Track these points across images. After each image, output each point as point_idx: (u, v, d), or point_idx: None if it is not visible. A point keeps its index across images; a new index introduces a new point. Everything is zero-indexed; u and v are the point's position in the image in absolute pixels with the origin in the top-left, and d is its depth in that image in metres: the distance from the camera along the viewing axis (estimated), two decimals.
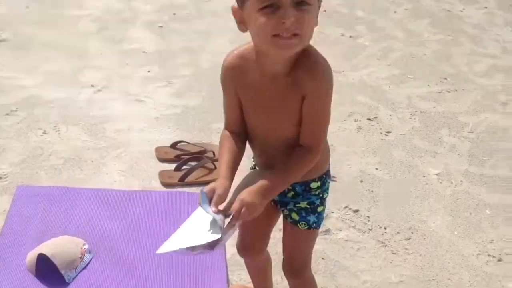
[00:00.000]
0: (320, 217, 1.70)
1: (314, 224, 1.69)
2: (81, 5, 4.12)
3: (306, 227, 1.68)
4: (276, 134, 1.52)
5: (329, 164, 1.69)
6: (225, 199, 1.43)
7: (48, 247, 2.18)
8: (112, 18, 4.02)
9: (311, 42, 1.40)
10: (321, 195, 1.68)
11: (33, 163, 2.72)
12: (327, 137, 1.57)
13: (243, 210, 1.38)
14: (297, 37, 1.29)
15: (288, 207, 1.69)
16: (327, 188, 1.70)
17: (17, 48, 3.55)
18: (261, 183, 1.43)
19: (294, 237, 1.74)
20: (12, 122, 2.96)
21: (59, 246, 2.21)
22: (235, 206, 1.39)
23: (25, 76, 3.31)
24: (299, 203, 1.67)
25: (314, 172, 1.61)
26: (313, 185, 1.64)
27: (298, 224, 1.68)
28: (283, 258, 1.81)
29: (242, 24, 1.38)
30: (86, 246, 2.25)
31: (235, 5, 1.37)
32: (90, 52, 3.62)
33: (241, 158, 1.54)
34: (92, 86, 3.31)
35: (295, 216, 1.68)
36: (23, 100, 3.12)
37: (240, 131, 1.57)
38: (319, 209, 1.69)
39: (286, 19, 1.26)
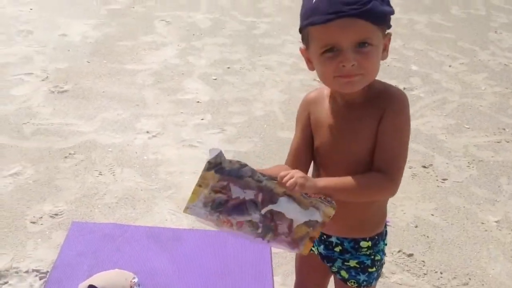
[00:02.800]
0: (371, 276, 1.60)
1: (365, 283, 1.59)
2: (140, 60, 4.29)
3: (355, 285, 1.60)
4: (349, 159, 1.45)
5: (385, 226, 1.61)
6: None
7: (99, 279, 2.18)
8: (169, 72, 4.16)
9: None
10: (372, 256, 1.58)
11: (88, 202, 2.78)
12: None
13: (290, 179, 1.28)
14: (359, 76, 1.33)
15: (336, 264, 1.60)
16: (381, 251, 1.60)
17: (77, 97, 3.71)
18: (320, 177, 1.40)
19: None
20: (70, 164, 3.05)
21: (109, 278, 2.21)
22: (284, 173, 1.30)
23: (84, 123, 3.43)
24: (348, 262, 1.58)
25: (366, 230, 1.55)
26: (363, 244, 1.55)
27: (348, 282, 1.60)
28: None
29: (309, 63, 1.42)
30: (136, 280, 2.24)
31: (303, 45, 1.41)
32: (146, 102, 3.73)
33: None
34: (147, 132, 3.39)
35: (344, 274, 1.60)
36: (81, 144, 3.22)
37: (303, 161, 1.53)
38: (370, 269, 1.59)
39: (346, 63, 1.30)
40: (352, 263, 1.57)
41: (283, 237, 1.34)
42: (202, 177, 1.31)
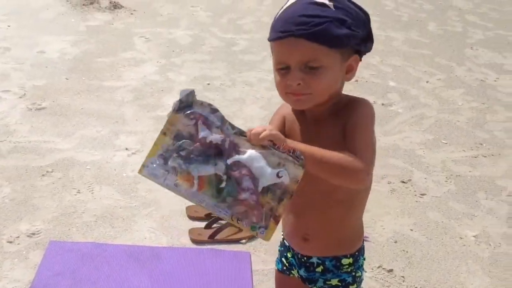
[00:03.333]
0: None
1: None
2: (119, 76, 4.28)
3: None
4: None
5: (363, 242, 1.61)
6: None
7: None
8: (149, 88, 4.15)
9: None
10: (353, 273, 1.58)
11: (66, 220, 2.75)
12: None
13: (262, 130, 1.24)
14: (306, 95, 1.37)
15: (318, 285, 1.60)
16: (361, 267, 1.60)
17: (55, 115, 3.68)
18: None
19: None
20: (47, 183, 3.01)
21: None
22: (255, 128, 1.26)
23: (61, 140, 3.41)
24: (330, 281, 1.58)
25: (347, 247, 1.56)
26: (345, 261, 1.56)
27: None
28: None
29: None
30: None
31: None
32: (126, 118, 3.71)
33: None
34: (126, 149, 3.37)
35: None
36: (59, 162, 3.19)
37: None
38: (351, 287, 1.59)
39: (291, 82, 1.35)
40: (334, 281, 1.57)
41: (248, 200, 1.24)
42: (169, 122, 1.23)
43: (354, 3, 1.40)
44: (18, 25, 5.04)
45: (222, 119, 1.25)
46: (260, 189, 1.25)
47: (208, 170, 1.24)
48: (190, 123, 1.23)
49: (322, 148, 1.33)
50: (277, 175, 1.24)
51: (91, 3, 5.63)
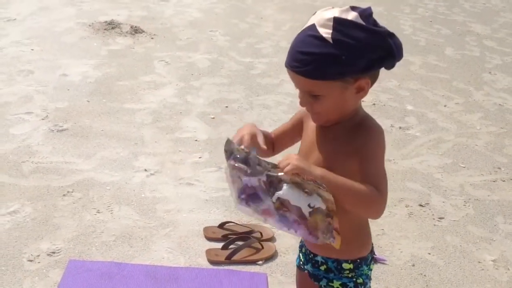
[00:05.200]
0: None
1: None
2: (139, 99, 4.35)
3: None
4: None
5: (369, 252, 1.65)
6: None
7: None
8: (168, 111, 4.21)
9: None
10: (354, 279, 1.63)
11: (85, 240, 2.78)
12: (370, 225, 1.62)
13: (287, 164, 1.39)
14: (316, 115, 1.52)
15: (322, 283, 1.65)
16: (364, 275, 1.65)
17: (77, 136, 3.74)
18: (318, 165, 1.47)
19: None
20: (68, 202, 3.06)
21: None
22: (286, 157, 1.41)
23: (82, 161, 3.46)
24: (332, 282, 1.64)
25: (348, 252, 1.60)
26: (345, 265, 1.61)
27: None
28: None
29: None
30: None
31: None
32: (145, 140, 3.76)
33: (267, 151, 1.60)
34: (145, 170, 3.42)
35: None
36: (79, 183, 3.24)
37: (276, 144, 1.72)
38: None
39: (301, 105, 1.53)
40: (336, 284, 1.63)
41: (299, 225, 1.42)
42: (229, 169, 1.41)
43: (363, 26, 1.40)
44: (42, 48, 5.15)
45: (258, 159, 1.42)
46: (307, 214, 1.41)
47: (262, 206, 1.41)
48: (234, 170, 1.41)
49: (335, 161, 1.49)
50: (309, 206, 1.40)
51: (113, 28, 5.74)
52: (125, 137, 3.78)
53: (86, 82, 4.57)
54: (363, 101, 1.56)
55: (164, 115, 4.13)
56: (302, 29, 1.46)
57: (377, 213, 1.46)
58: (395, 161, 3.76)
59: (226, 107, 4.36)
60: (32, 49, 5.13)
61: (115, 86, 4.54)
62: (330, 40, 1.38)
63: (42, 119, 3.93)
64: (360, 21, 1.40)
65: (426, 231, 3.06)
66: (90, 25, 5.81)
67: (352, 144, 1.48)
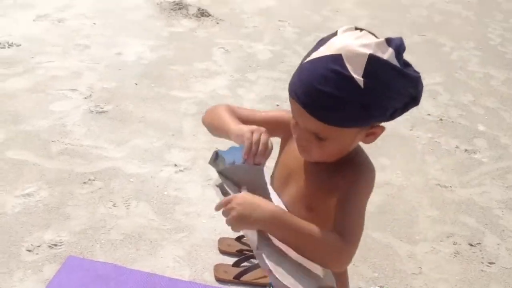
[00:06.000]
0: None
1: None
2: (188, 87, 4.15)
3: None
4: (300, 198, 1.37)
5: None
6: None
7: None
8: (214, 102, 3.96)
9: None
10: None
11: (92, 235, 2.61)
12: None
13: (230, 214, 1.24)
14: (313, 154, 1.29)
15: None
16: None
17: (115, 120, 3.59)
18: (278, 205, 1.26)
19: None
20: (86, 191, 2.90)
21: None
22: (227, 202, 1.26)
23: (113, 148, 3.30)
24: None
25: None
26: None
27: None
28: None
29: None
30: None
31: None
32: (183, 132, 3.56)
33: None
34: (175, 165, 3.21)
35: None
36: (103, 171, 3.08)
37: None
38: None
39: (297, 141, 1.31)
40: None
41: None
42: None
43: (398, 69, 1.14)
44: (104, 23, 5.04)
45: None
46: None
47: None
48: None
49: (316, 199, 1.31)
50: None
51: (180, 9, 5.57)
52: (164, 127, 3.59)
53: (139, 63, 4.42)
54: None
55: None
56: (320, 55, 1.19)
57: (338, 264, 1.20)
58: (452, 188, 3.35)
59: (277, 105, 4.08)
60: (94, 23, 5.03)
61: (167, 70, 4.36)
62: (362, 84, 1.11)
63: (85, 98, 3.81)
64: (395, 61, 1.14)
65: (471, 276, 2.68)
66: (158, 4, 5.66)
67: (337, 180, 1.27)
